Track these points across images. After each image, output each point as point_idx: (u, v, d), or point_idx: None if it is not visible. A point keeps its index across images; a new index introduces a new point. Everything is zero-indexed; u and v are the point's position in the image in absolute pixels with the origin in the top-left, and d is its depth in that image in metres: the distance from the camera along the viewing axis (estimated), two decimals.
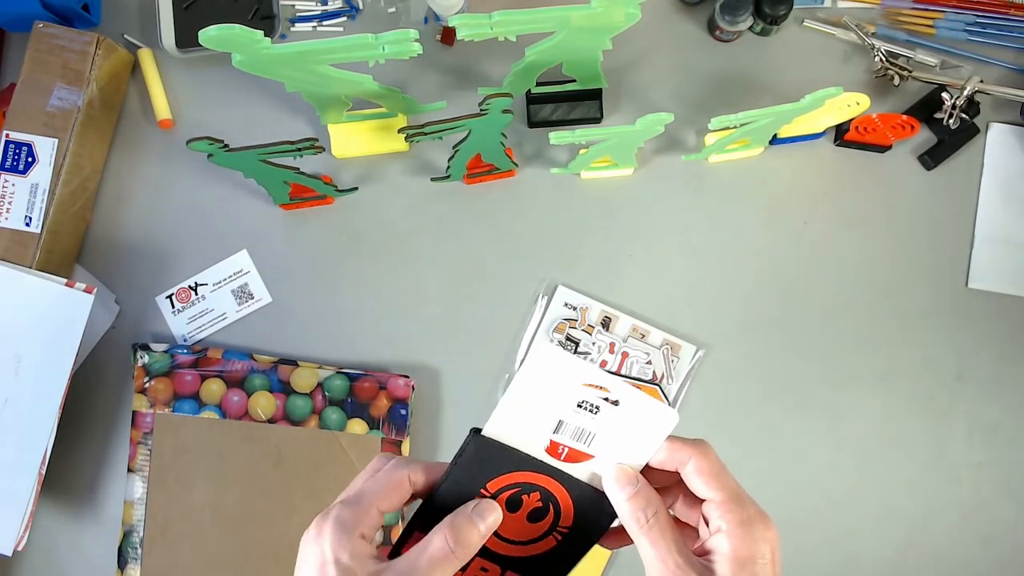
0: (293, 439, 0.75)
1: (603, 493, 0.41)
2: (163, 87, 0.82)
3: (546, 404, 0.40)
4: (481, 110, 0.65)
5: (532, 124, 0.81)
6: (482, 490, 0.41)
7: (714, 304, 0.79)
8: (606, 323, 0.77)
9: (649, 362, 0.78)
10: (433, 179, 0.81)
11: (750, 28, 0.82)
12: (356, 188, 0.81)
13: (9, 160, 0.74)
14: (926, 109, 0.80)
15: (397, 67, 0.80)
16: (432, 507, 0.41)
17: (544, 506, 0.42)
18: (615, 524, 0.41)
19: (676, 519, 0.42)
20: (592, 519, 0.42)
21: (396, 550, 0.41)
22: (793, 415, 0.79)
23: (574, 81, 0.79)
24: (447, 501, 0.41)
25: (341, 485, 0.41)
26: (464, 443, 0.40)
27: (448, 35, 0.81)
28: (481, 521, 0.40)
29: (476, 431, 0.40)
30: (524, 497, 0.42)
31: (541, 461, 0.41)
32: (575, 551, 0.43)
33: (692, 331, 0.79)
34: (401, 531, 0.42)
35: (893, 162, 0.81)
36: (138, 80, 0.83)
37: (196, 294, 0.80)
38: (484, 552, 0.42)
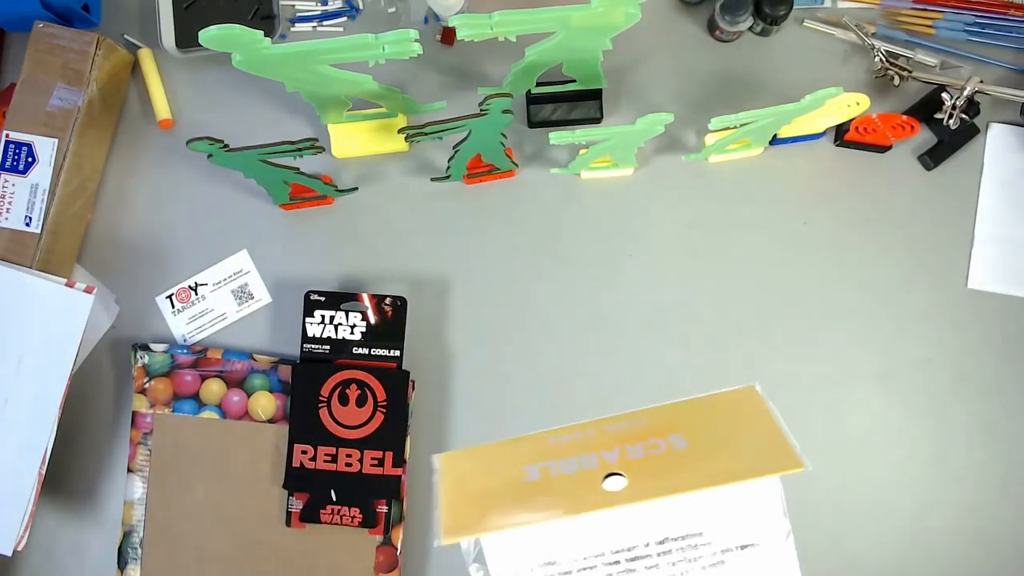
0: None
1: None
2: (163, 87, 0.82)
3: None
4: (481, 110, 0.65)
5: (532, 124, 0.81)
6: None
7: (714, 304, 0.79)
8: None
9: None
10: (433, 179, 0.81)
11: (750, 28, 0.82)
12: (356, 188, 0.81)
13: (9, 160, 0.74)
14: (926, 109, 0.80)
15: (397, 67, 0.80)
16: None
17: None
18: None
19: None
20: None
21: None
22: (793, 415, 0.78)
23: (574, 81, 0.79)
24: None
25: None
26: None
27: (448, 35, 0.81)
28: None
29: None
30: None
31: None
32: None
33: (692, 330, 0.79)
34: None
35: (893, 162, 0.81)
36: (138, 80, 0.83)
37: (196, 294, 0.80)
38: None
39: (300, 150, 0.68)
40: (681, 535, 0.34)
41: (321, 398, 0.73)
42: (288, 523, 0.74)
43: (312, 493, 0.73)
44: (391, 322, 0.75)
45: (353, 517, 0.73)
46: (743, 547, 0.35)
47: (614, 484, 0.35)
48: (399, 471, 0.73)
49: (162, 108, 0.81)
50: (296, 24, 0.83)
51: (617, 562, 0.35)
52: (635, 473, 0.34)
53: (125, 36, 0.83)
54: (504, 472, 0.35)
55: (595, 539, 0.35)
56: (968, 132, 0.80)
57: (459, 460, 0.37)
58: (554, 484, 0.35)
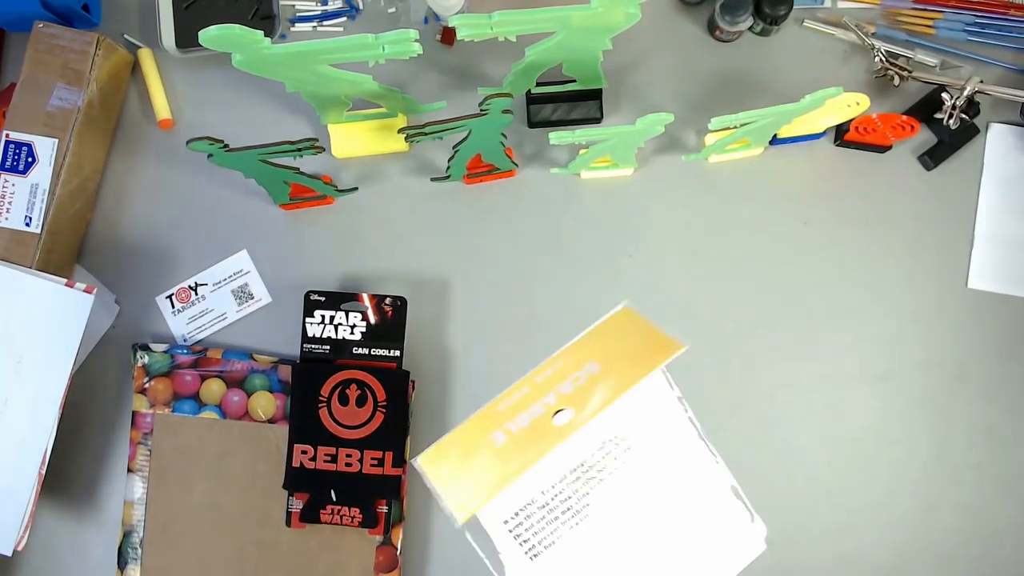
0: None
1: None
2: (163, 87, 0.82)
3: None
4: (481, 110, 0.65)
5: (532, 124, 0.81)
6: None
7: (714, 304, 0.79)
8: None
9: None
10: (433, 179, 0.81)
11: (750, 28, 0.82)
12: (356, 188, 0.81)
13: (9, 160, 0.74)
14: (926, 109, 0.80)
15: (397, 67, 0.80)
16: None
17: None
18: None
19: None
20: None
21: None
22: (792, 415, 0.79)
23: (574, 81, 0.79)
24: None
25: None
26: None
27: (448, 35, 0.81)
28: None
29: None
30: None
31: None
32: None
33: (692, 330, 0.79)
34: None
35: (893, 162, 0.81)
36: (138, 80, 0.83)
37: (196, 294, 0.80)
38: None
39: (300, 150, 0.68)
40: (611, 437, 0.44)
41: (321, 398, 0.73)
42: (288, 523, 0.74)
43: (312, 493, 0.73)
44: (391, 322, 0.75)
45: (353, 517, 0.73)
46: (653, 432, 0.45)
47: (562, 418, 0.43)
48: (399, 471, 0.73)
49: (162, 108, 0.81)
50: (296, 24, 0.83)
51: (577, 478, 0.44)
52: (572, 403, 0.44)
53: (125, 36, 0.83)
54: (476, 448, 0.43)
55: (554, 468, 0.44)
56: (968, 132, 0.80)
57: (437, 454, 0.44)
58: (519, 439, 0.43)
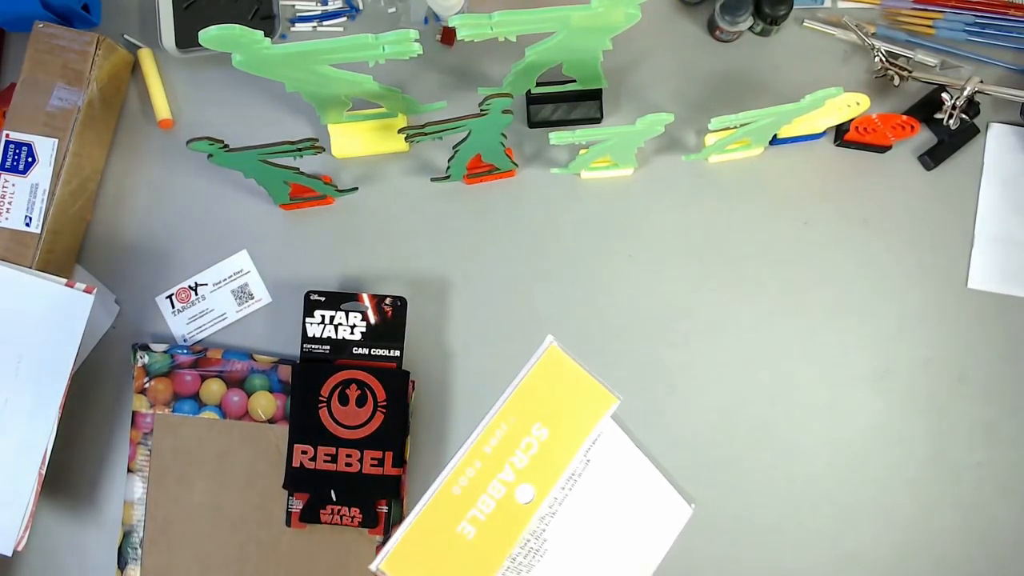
0: None
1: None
2: (163, 87, 0.82)
3: None
4: (481, 110, 0.65)
5: (532, 124, 0.81)
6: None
7: (713, 304, 0.79)
8: None
9: None
10: (433, 179, 0.81)
11: (750, 28, 0.82)
12: (356, 188, 0.81)
13: (9, 160, 0.74)
14: (926, 109, 0.80)
15: (397, 67, 0.80)
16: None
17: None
18: None
19: None
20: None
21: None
22: (792, 415, 0.79)
23: (574, 81, 0.79)
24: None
25: None
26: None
27: (448, 35, 0.81)
28: None
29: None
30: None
31: None
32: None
33: (692, 330, 0.79)
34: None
35: (893, 162, 0.81)
36: (138, 80, 0.83)
37: (196, 294, 0.80)
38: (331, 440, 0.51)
39: (300, 150, 0.68)
40: (567, 475, 0.43)
41: (321, 398, 0.73)
42: (288, 523, 0.74)
43: (312, 493, 0.73)
44: (391, 322, 0.75)
45: (353, 517, 0.73)
46: (598, 447, 0.44)
47: (525, 495, 0.42)
48: (399, 471, 0.73)
49: (162, 108, 0.81)
50: (296, 24, 0.83)
51: (536, 524, 0.42)
52: (530, 478, 0.42)
53: (125, 36, 0.83)
54: (447, 545, 0.41)
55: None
56: (968, 132, 0.80)
57: (401, 557, 0.41)
58: (489, 526, 0.41)
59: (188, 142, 0.64)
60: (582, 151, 0.76)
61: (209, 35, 0.58)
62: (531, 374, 0.44)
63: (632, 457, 0.44)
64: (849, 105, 0.76)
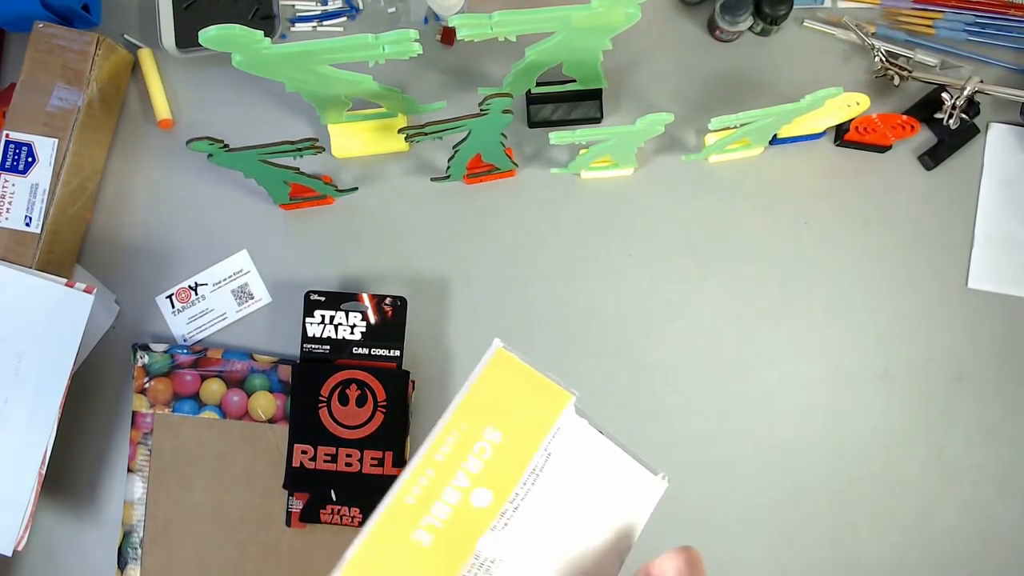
0: None
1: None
2: (163, 87, 0.82)
3: None
4: (481, 110, 0.65)
5: (532, 124, 0.81)
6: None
7: (713, 304, 0.79)
8: None
9: None
10: (433, 179, 0.81)
11: (750, 28, 0.82)
12: (356, 188, 0.81)
13: (9, 160, 0.74)
14: (926, 109, 0.80)
15: (397, 67, 0.80)
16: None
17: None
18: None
19: None
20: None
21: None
22: (793, 415, 0.79)
23: (574, 81, 0.79)
24: None
25: None
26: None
27: (448, 35, 0.81)
28: None
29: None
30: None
31: None
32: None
33: (692, 330, 0.79)
34: None
35: (893, 162, 0.81)
36: (138, 80, 0.83)
37: (196, 294, 0.80)
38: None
39: (300, 150, 0.68)
40: (528, 473, 0.42)
41: (321, 398, 0.73)
42: (288, 523, 0.74)
43: (312, 493, 0.73)
44: (391, 322, 0.75)
45: (353, 517, 0.73)
46: (553, 435, 0.43)
47: (482, 500, 0.41)
48: (399, 471, 0.73)
49: (162, 108, 0.81)
50: (296, 24, 0.83)
51: (505, 512, 0.42)
52: (486, 482, 0.41)
53: (125, 36, 0.83)
54: (403, 554, 0.40)
55: None
56: (968, 132, 0.80)
57: (361, 563, 0.40)
58: (444, 533, 0.40)
59: (188, 142, 0.64)
60: (582, 151, 0.76)
61: (209, 35, 0.58)
62: (479, 379, 0.43)
63: (597, 444, 0.44)
64: (849, 105, 0.76)
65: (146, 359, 0.76)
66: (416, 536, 0.40)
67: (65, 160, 0.75)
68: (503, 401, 0.43)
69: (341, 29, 0.83)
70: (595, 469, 0.44)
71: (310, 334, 0.75)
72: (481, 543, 0.40)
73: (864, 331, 0.79)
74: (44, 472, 0.71)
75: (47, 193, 0.74)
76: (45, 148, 0.75)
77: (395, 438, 0.73)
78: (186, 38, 0.80)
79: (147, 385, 0.76)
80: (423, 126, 0.67)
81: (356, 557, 0.40)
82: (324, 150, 0.72)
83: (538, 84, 0.79)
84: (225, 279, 0.80)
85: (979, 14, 0.81)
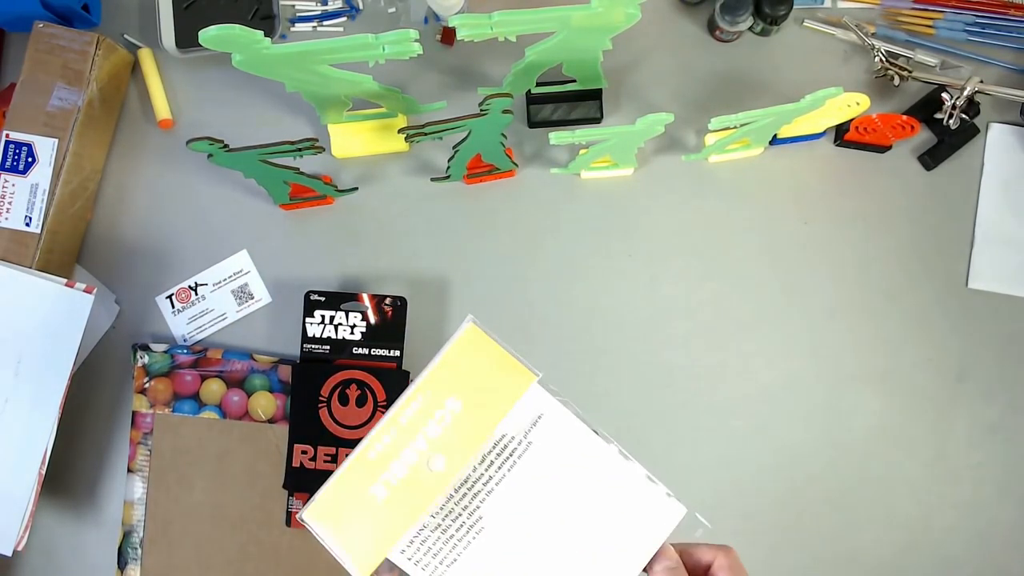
0: None
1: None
2: (163, 87, 0.82)
3: None
4: (481, 110, 0.65)
5: (532, 124, 0.81)
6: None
7: (713, 304, 0.79)
8: None
9: None
10: (433, 179, 0.81)
11: (750, 28, 0.82)
12: (356, 188, 0.81)
13: (9, 160, 0.74)
14: (926, 109, 0.80)
15: (397, 67, 0.80)
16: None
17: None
18: None
19: None
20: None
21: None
22: (792, 415, 0.79)
23: (574, 81, 0.79)
24: None
25: None
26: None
27: (448, 35, 0.81)
28: None
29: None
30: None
31: None
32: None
33: (692, 330, 0.79)
34: None
35: (893, 162, 0.81)
36: (138, 80, 0.83)
37: (196, 294, 0.80)
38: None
39: (300, 150, 0.68)
40: (491, 446, 0.44)
41: (321, 398, 0.73)
42: (288, 523, 0.74)
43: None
44: (391, 322, 0.75)
45: None
46: (533, 423, 0.45)
47: (437, 464, 0.44)
48: None
49: (162, 108, 0.81)
50: (296, 24, 0.83)
51: (463, 495, 0.44)
52: (442, 448, 0.44)
53: (125, 36, 0.83)
54: (360, 504, 0.43)
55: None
56: (968, 132, 0.80)
57: (321, 509, 0.44)
58: (400, 490, 0.43)
59: (188, 142, 0.64)
60: (582, 151, 0.76)
61: (209, 35, 0.58)
62: (448, 352, 0.46)
63: (585, 440, 0.46)
64: (849, 105, 0.76)
65: (146, 359, 0.76)
66: (373, 490, 0.43)
67: (65, 160, 0.75)
68: (468, 374, 0.45)
69: (341, 29, 0.83)
70: (585, 470, 0.45)
71: (310, 334, 0.75)
72: (450, 510, 0.43)
73: (864, 331, 0.79)
74: (44, 472, 0.71)
75: (47, 193, 0.74)
76: (45, 148, 0.75)
77: None
78: (186, 38, 0.80)
79: (147, 385, 0.76)
80: (423, 126, 0.67)
81: (319, 500, 0.44)
82: (324, 150, 0.72)
83: (538, 84, 0.79)
84: (225, 279, 0.80)
85: (979, 14, 0.81)
